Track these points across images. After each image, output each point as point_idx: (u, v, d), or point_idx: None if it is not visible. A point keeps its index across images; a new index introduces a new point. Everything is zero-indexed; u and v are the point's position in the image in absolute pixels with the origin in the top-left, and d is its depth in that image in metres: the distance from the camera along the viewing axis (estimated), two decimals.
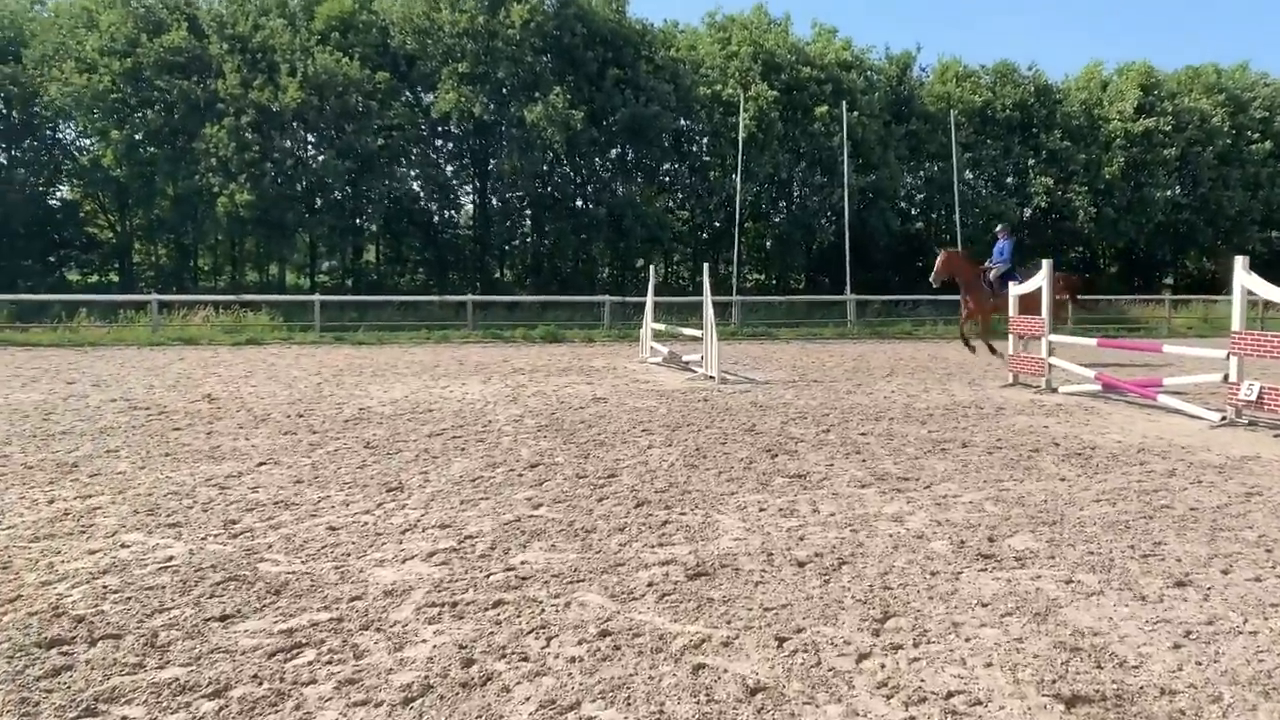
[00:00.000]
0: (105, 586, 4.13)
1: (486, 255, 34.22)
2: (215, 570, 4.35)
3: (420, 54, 29.75)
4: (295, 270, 34.51)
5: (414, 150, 31.04)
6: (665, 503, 5.64)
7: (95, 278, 32.90)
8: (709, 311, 13.28)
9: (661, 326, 17.09)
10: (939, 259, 16.27)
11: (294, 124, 28.36)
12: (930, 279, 16.42)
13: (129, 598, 3.99)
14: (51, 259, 31.67)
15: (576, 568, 4.37)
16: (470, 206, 34.92)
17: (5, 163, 30.91)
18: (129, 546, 4.77)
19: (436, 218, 33.65)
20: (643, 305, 17.84)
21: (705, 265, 14.28)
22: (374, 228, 33.28)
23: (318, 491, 6.02)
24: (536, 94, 28.99)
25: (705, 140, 33.66)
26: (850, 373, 14.42)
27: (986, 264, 16.69)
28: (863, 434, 8.31)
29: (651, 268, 18.39)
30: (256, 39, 28.09)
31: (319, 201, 30.19)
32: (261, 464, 6.92)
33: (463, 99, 28.54)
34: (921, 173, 36.73)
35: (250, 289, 30.09)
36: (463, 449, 7.50)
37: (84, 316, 23.33)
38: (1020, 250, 20.87)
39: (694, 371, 13.89)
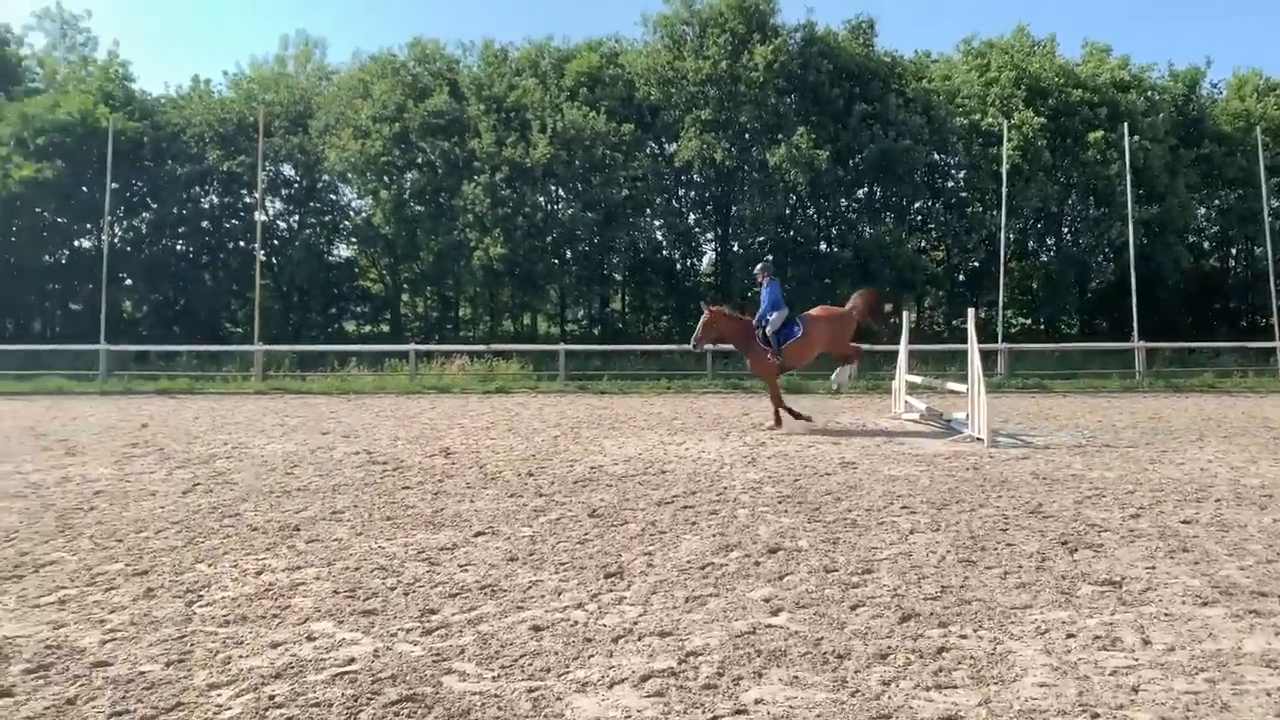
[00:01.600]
0: (271, 698, 3.56)
1: (728, 302, 33.70)
2: (394, 684, 3.69)
3: (664, 104, 29.88)
4: (547, 319, 35.47)
5: (657, 199, 31.12)
6: (939, 617, 4.47)
7: (368, 328, 35.32)
8: (975, 360, 11.79)
9: (918, 379, 15.61)
10: (702, 320, 13.97)
11: (544, 178, 29.15)
12: (690, 344, 14.56)
13: (289, 718, 3.39)
14: (332, 311, 34.30)
15: (826, 718, 3.35)
16: (712, 254, 34.62)
17: (295, 225, 33.92)
18: (314, 640, 4.23)
19: (679, 265, 33.56)
20: (894, 354, 16.45)
21: (970, 310, 12.75)
22: (619, 277, 33.65)
23: (530, 573, 5.34)
24: (779, 135, 28.29)
25: (962, 174, 31.61)
26: (1148, 435, 12.36)
27: (756, 317, 13.99)
28: (1185, 522, 6.68)
29: (904, 312, 16.99)
30: (510, 98, 29.23)
31: (568, 253, 30.83)
32: (479, 534, 6.38)
33: (705, 146, 28.30)
34: (1216, 201, 32.72)
35: (504, 338, 31.08)
36: (693, 523, 6.63)
37: (354, 365, 24.77)
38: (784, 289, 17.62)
39: (958, 432, 12.37)
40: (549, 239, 29.99)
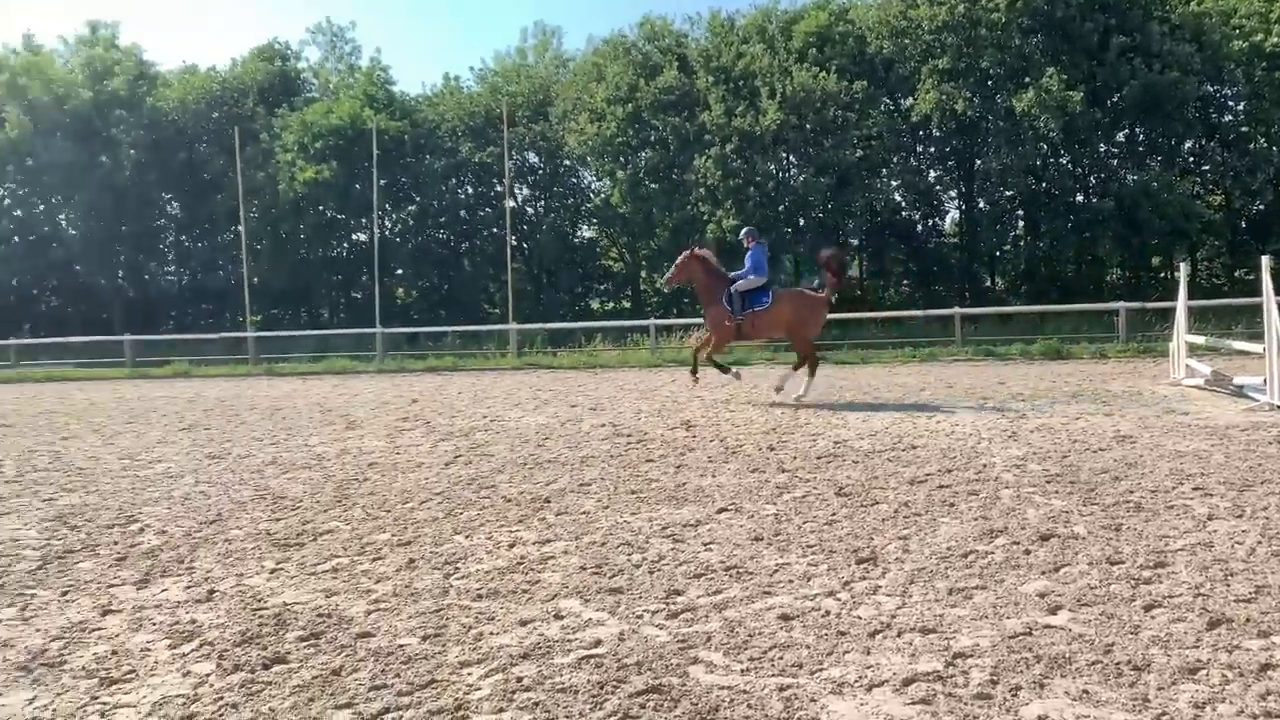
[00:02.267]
0: (519, 679, 3.49)
1: (975, 263, 31.72)
2: (640, 671, 3.53)
3: (897, 56, 28.44)
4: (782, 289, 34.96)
5: (894, 158, 29.73)
6: (1257, 624, 3.77)
7: (611, 305, 36.20)
8: (1274, 317, 10.27)
9: (1200, 339, 13.91)
10: (678, 260, 13.24)
11: (774, 146, 28.55)
12: (660, 283, 12.30)
13: (536, 702, 3.30)
14: (578, 290, 35.42)
15: None
16: (955, 212, 32.72)
17: (542, 210, 35.25)
18: (562, 619, 4.16)
19: (919, 227, 31.99)
20: (1169, 313, 14.75)
21: (1263, 258, 11.11)
22: (855, 242, 32.52)
23: (776, 555, 5.05)
24: (1026, 79, 26.17)
25: (1242, 106, 28.01)
26: None
27: (734, 274, 13.04)
28: None
29: (1182, 265, 15.18)
30: (738, 67, 28.80)
31: (801, 220, 30.12)
32: (722, 510, 6.17)
33: (944, 97, 26.67)
34: None
35: None
36: (951, 504, 6.10)
37: (599, 341, 25.40)
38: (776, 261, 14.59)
39: (1252, 400, 10.87)
40: (781, 207, 29.41)
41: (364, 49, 39.80)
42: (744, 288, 12.82)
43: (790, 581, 4.58)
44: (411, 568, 5.07)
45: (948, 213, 33.01)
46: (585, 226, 35.73)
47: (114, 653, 3.85)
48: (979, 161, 29.49)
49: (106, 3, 70.42)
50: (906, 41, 28.09)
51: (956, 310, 23.20)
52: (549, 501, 6.66)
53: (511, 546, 5.45)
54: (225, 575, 5.01)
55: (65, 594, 4.72)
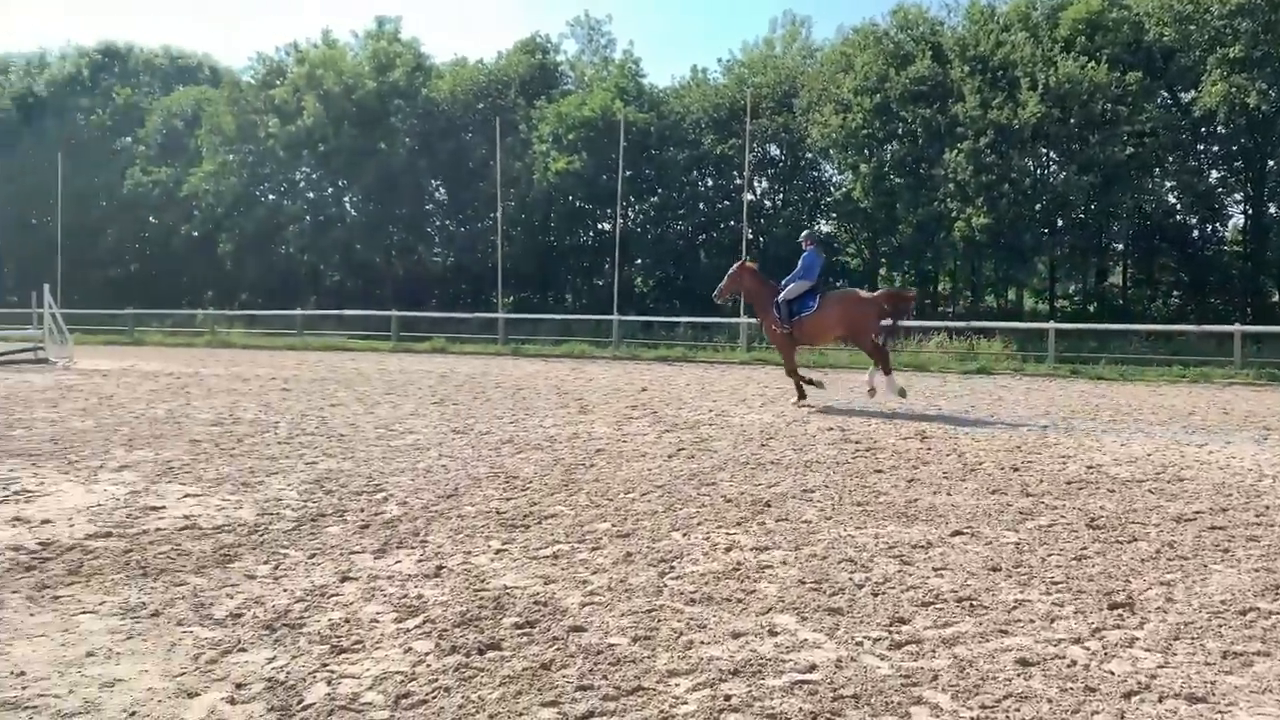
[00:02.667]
0: (728, 698, 3.32)
1: (1261, 275, 28.29)
2: (857, 705, 3.26)
3: (1179, 45, 25.74)
4: (1034, 294, 32.70)
5: (1169, 156, 26.98)
6: None
7: None
8: None
9: None
10: (729, 272, 13.53)
11: (1033, 140, 26.64)
12: (715, 295, 13.87)
13: None
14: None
15: None
16: (1239, 218, 29.29)
17: (779, 203, 34.85)
18: (776, 635, 3.95)
19: (1195, 233, 28.92)
20: None
21: None
22: (1120, 247, 29.89)
23: (1016, 589, 4.60)
24: None
25: None
26: None
27: (784, 282, 13.09)
28: None
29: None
30: (997, 56, 27.08)
31: (1059, 221, 28.02)
32: (956, 533, 5.72)
33: (1234, 90, 23.85)
34: None
35: (986, 315, 29.14)
36: (1226, 550, 5.34)
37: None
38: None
39: None
40: (1038, 206, 27.44)
41: (618, 42, 40.80)
42: (790, 295, 12.87)
43: (1031, 621, 4.14)
44: (628, 561, 5.03)
45: (1230, 218, 29.63)
46: (824, 221, 34.98)
47: (346, 621, 4.03)
48: (1271, 162, 26.24)
49: (394, 1, 76.30)
50: (1192, 28, 25.34)
51: (1237, 327, 20.76)
52: (769, 506, 6.45)
53: (728, 550, 5.30)
54: (454, 552, 5.17)
55: (312, 557, 5.04)
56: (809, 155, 32.76)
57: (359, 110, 37.01)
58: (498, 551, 5.20)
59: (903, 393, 12.54)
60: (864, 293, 13.41)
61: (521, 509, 6.24)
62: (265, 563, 4.90)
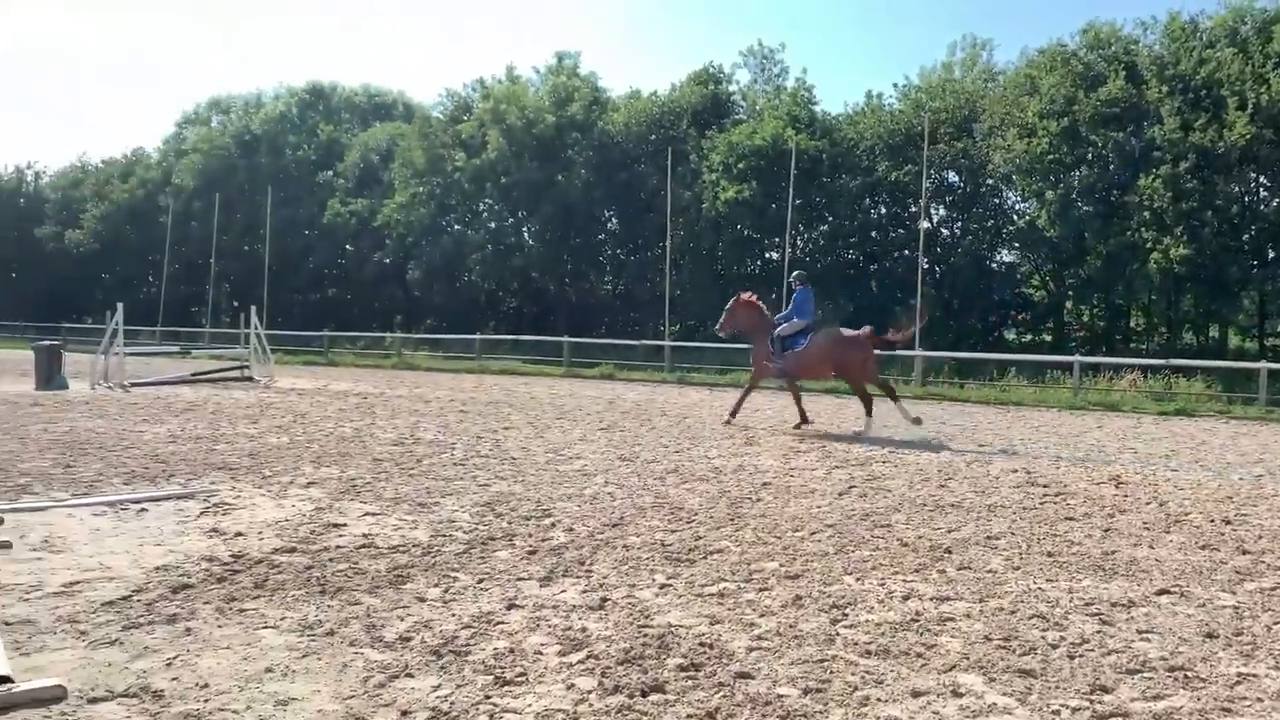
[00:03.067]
0: None
1: None
2: None
3: None
4: (1240, 332, 30.03)
5: None
6: None
7: (1029, 337, 33.46)
8: None
9: None
10: (728, 305, 14.15)
11: (1241, 165, 24.53)
12: (718, 328, 14.49)
13: None
14: (992, 318, 33.19)
15: None
16: None
17: (958, 232, 33.54)
18: (960, 696, 3.62)
19: None
20: None
21: None
22: None
23: (1238, 661, 4.07)
24: None
25: None
26: None
27: (778, 318, 14.00)
28: None
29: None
30: (1200, 75, 25.14)
31: (1270, 252, 25.64)
32: (1162, 592, 5.16)
33: None
34: None
35: (1185, 352, 26.95)
36: None
37: (1012, 375, 23.52)
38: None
39: None
40: (1246, 236, 25.21)
41: (791, 70, 40.36)
42: (785, 331, 13.55)
43: (1259, 700, 3.63)
44: (798, 605, 4.78)
45: None
46: (1005, 250, 33.36)
47: (511, 651, 3.98)
48: None
49: (573, 36, 78.82)
50: None
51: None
52: (950, 552, 6.04)
53: (906, 599, 4.96)
54: (618, 584, 5.07)
55: (481, 581, 5.05)
56: (990, 182, 31.39)
57: (539, 143, 38.27)
58: (662, 586, 5.07)
59: (918, 421, 13.12)
60: (849, 331, 13.77)
61: (686, 542, 6.09)
62: (436, 585, 4.94)
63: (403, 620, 4.33)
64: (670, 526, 6.57)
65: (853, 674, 3.84)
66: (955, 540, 6.38)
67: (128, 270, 53.79)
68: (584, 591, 4.91)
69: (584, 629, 4.29)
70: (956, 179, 32.73)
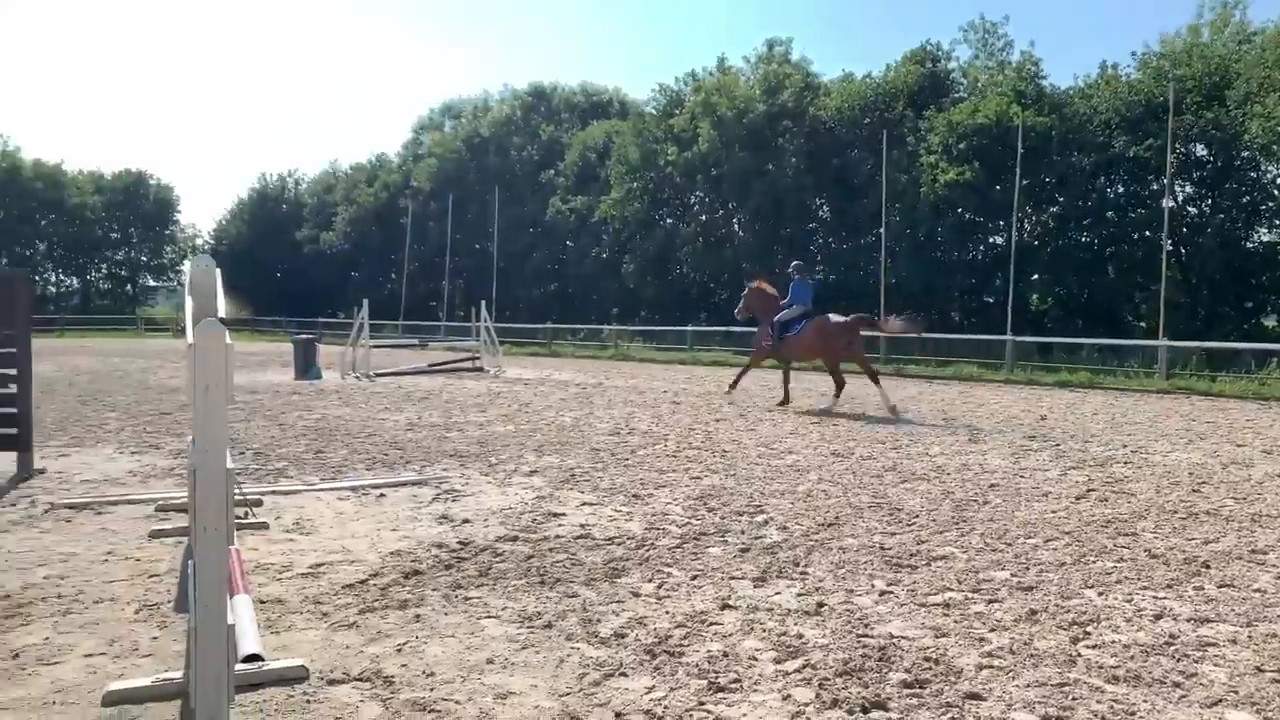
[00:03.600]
0: None
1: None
2: None
3: None
4: None
5: None
6: None
7: None
8: None
9: None
10: (748, 291, 15.44)
11: None
12: (736, 312, 15.99)
13: None
14: (1248, 305, 29.90)
15: None
16: None
17: (1207, 210, 30.39)
18: None
19: None
20: None
21: None
22: None
23: None
24: None
25: None
26: None
27: (782, 304, 14.95)
28: None
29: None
30: None
31: None
32: None
33: None
34: None
35: None
36: None
37: (1273, 367, 21.06)
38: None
39: None
40: None
41: (1015, 43, 37.79)
42: (784, 317, 14.61)
43: None
44: (1032, 620, 4.39)
45: None
46: (1264, 230, 29.85)
47: (725, 654, 3.87)
48: None
49: (785, 24, 77.95)
50: None
51: None
52: (1208, 566, 5.39)
53: (1158, 618, 4.45)
54: (835, 589, 4.85)
55: (694, 578, 4.97)
56: (1245, 154, 28.18)
57: (749, 133, 38.02)
58: (882, 593, 4.80)
59: (894, 410, 13.54)
60: (837, 318, 14.47)
61: (907, 546, 5.77)
62: (650, 580, 4.91)
63: (617, 615, 4.32)
64: (889, 529, 6.26)
65: (1099, 702, 3.46)
66: (1213, 553, 5.69)
67: (372, 268, 58.18)
68: (799, 595, 4.73)
69: (800, 635, 4.12)
70: (1205, 152, 29.61)
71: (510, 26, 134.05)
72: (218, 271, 4.56)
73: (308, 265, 60.65)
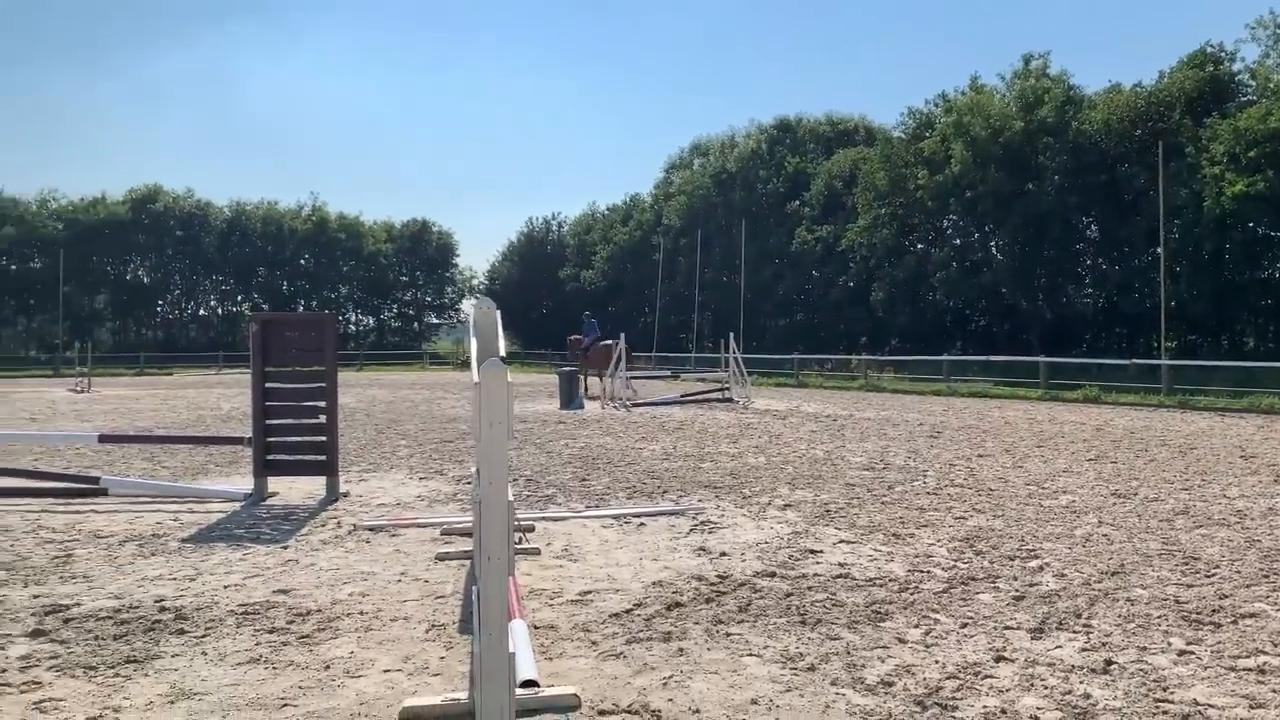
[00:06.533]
0: None
1: None
2: None
3: None
4: None
5: None
6: None
7: None
8: None
9: None
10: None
11: None
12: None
13: None
14: None
15: None
16: None
17: None
18: None
19: None
20: None
21: None
22: None
23: None
24: None
25: None
26: None
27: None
28: None
29: None
30: None
31: None
32: None
33: None
34: None
35: None
36: None
37: None
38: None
39: None
40: None
41: None
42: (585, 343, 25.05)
43: None
44: None
45: None
46: None
47: (1003, 711, 3.58)
48: None
49: (1041, 37, 73.55)
50: None
51: None
52: None
53: None
54: (1125, 645, 4.39)
55: (964, 626, 4.67)
56: None
57: (1006, 152, 36.05)
58: (1181, 653, 4.29)
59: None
60: (606, 343, 23.73)
61: (1208, 601, 5.13)
62: (916, 626, 4.67)
63: (883, 662, 4.13)
64: (1185, 579, 5.60)
65: None
66: None
67: (628, 303, 60.39)
68: (1083, 650, 4.32)
69: (1087, 695, 3.75)
70: None
71: (753, 68, 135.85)
72: (497, 313, 4.87)
73: (570, 301, 63.89)
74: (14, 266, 65.32)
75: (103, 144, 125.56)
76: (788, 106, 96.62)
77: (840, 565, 5.93)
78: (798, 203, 49.28)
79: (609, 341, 23.57)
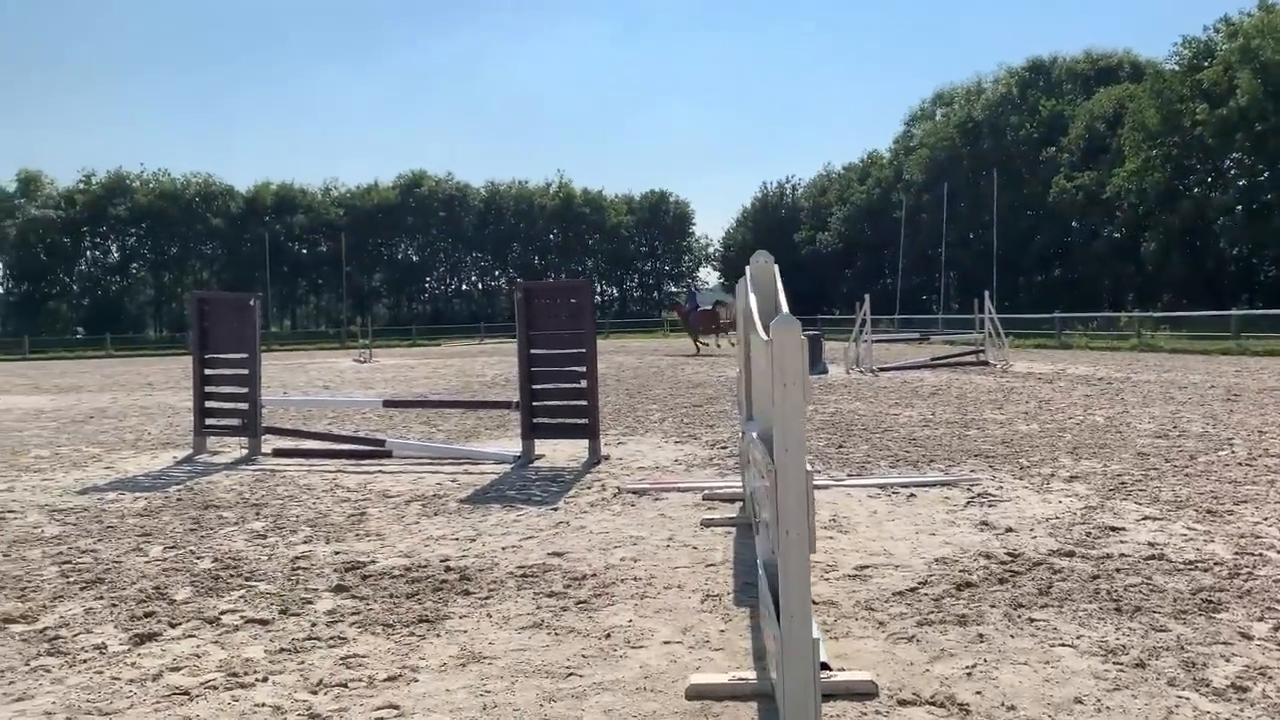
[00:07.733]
0: None
1: None
2: None
3: None
4: None
5: None
6: None
7: None
8: None
9: None
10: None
11: None
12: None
13: None
14: None
15: None
16: None
17: None
18: None
19: None
20: None
21: None
22: None
23: None
24: None
25: None
26: None
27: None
28: None
29: None
30: None
31: None
32: None
33: None
34: None
35: None
36: None
37: None
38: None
39: None
40: None
41: None
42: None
43: None
44: None
45: None
46: None
47: None
48: None
49: None
50: None
51: None
52: None
53: None
54: None
55: None
56: None
57: None
58: None
59: None
60: (706, 308, 30.63)
61: None
62: (1260, 619, 3.98)
63: (1228, 661, 3.52)
64: None
65: None
66: None
67: (866, 264, 58.43)
68: None
69: None
70: None
71: (1000, 8, 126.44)
72: (775, 267, 4.61)
73: (805, 264, 62.76)
74: (304, 251, 72.99)
75: (375, 134, 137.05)
76: (1040, 47, 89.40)
77: (1150, 545, 5.23)
78: (1054, 149, 45.33)
79: (708, 307, 30.51)
